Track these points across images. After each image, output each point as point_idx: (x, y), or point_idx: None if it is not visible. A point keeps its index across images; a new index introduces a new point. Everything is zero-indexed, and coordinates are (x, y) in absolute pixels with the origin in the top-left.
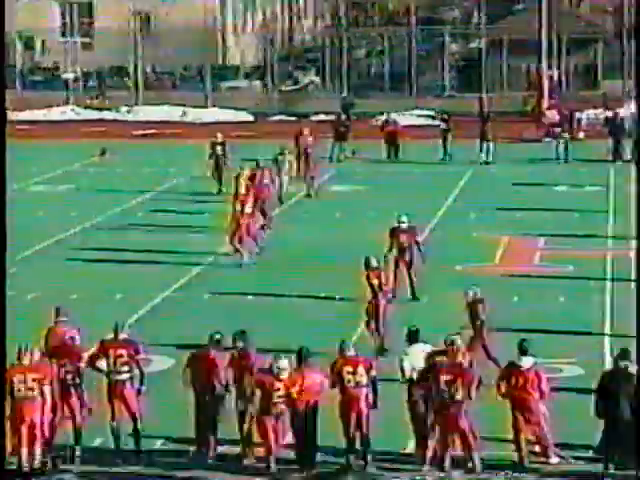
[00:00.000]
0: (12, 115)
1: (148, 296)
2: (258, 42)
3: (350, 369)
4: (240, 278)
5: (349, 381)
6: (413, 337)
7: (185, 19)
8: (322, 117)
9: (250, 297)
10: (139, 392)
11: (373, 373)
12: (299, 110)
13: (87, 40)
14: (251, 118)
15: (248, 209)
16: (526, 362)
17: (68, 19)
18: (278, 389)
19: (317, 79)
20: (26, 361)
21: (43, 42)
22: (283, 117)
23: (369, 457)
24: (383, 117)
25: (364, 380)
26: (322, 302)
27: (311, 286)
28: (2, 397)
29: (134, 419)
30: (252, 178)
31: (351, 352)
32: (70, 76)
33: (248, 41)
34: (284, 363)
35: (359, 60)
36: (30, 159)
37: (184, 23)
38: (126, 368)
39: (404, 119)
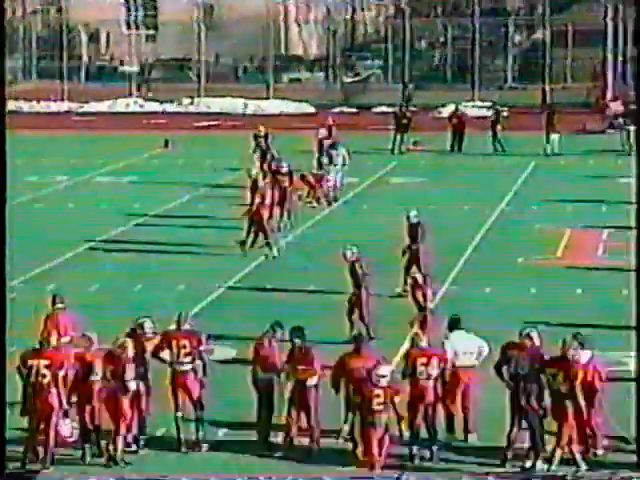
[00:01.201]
0: (76, 107)
1: (211, 287)
2: (321, 33)
3: (424, 360)
4: (301, 268)
5: (421, 373)
6: (454, 324)
7: (248, 10)
8: (384, 109)
9: (312, 288)
10: (202, 383)
11: (442, 365)
12: (361, 102)
13: (151, 32)
14: (313, 110)
15: (268, 200)
16: (584, 356)
17: (132, 11)
18: (378, 396)
19: (379, 71)
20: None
21: (107, 34)
22: (345, 109)
23: (435, 449)
24: (449, 108)
25: (435, 372)
26: (383, 293)
27: (373, 279)
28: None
29: (197, 409)
30: (274, 172)
31: (423, 343)
32: (133, 68)
33: (311, 32)
34: (384, 370)
35: (421, 51)
36: (94, 151)
37: (247, 14)
38: (189, 359)
39: (467, 111)
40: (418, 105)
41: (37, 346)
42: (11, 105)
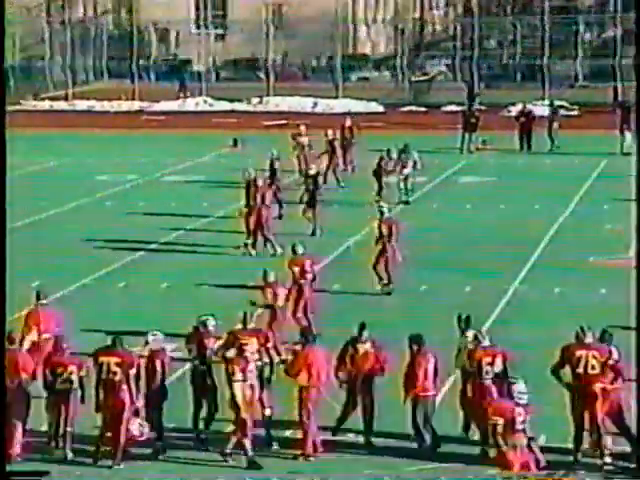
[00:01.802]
0: (146, 106)
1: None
2: (389, 32)
3: (489, 360)
4: (369, 269)
5: (487, 372)
6: (465, 324)
7: (316, 9)
8: (452, 108)
9: (379, 287)
10: (269, 381)
11: (507, 363)
12: (429, 101)
13: (220, 31)
14: (381, 109)
15: (268, 201)
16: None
17: (202, 11)
18: (520, 415)
19: (447, 69)
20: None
21: (177, 34)
22: (413, 108)
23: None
24: (518, 107)
25: (497, 371)
26: (453, 293)
27: (443, 279)
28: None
29: (264, 408)
30: (273, 172)
31: (486, 342)
32: (203, 67)
33: (379, 31)
34: (522, 387)
35: (490, 50)
36: (164, 150)
37: (315, 13)
38: (256, 357)
39: (535, 109)
40: (487, 104)
41: (109, 344)
42: (83, 105)
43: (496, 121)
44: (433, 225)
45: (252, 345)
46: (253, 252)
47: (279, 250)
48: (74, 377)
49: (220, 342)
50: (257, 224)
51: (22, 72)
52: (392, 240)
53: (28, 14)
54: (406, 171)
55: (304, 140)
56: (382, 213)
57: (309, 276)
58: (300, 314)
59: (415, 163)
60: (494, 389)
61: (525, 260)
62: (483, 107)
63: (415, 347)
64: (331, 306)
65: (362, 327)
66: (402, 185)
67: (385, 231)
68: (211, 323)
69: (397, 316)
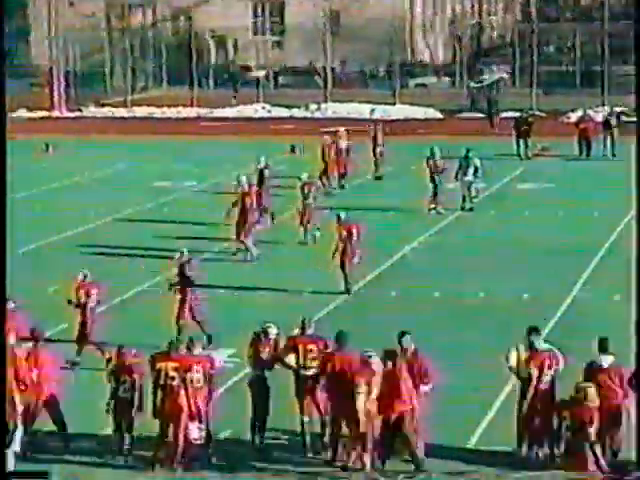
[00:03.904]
0: (205, 113)
1: (335, 293)
2: (447, 38)
3: (548, 363)
4: (427, 274)
5: (547, 375)
6: (533, 333)
7: (374, 16)
8: (510, 114)
9: (437, 294)
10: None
11: (556, 368)
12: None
13: (277, 38)
14: (439, 115)
15: (255, 205)
16: (605, 360)
17: (259, 18)
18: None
19: (506, 75)
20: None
21: (235, 41)
22: (471, 114)
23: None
24: (577, 113)
25: (549, 376)
26: (512, 300)
27: (501, 286)
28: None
29: (322, 413)
30: (261, 180)
31: (544, 346)
32: (261, 74)
33: (437, 37)
34: (593, 391)
35: (549, 56)
36: (222, 156)
37: (373, 20)
38: (315, 363)
39: (595, 116)
40: (546, 110)
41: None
42: (142, 111)
43: (555, 127)
44: (491, 232)
45: (312, 351)
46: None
47: (255, 256)
48: (136, 385)
49: (280, 348)
50: (242, 228)
51: (83, 79)
52: (352, 242)
53: (88, 22)
54: (467, 178)
55: (343, 145)
56: (339, 217)
57: (92, 303)
58: (186, 319)
59: (476, 169)
60: (547, 393)
61: (585, 267)
62: (543, 113)
63: (389, 363)
64: (389, 312)
65: (402, 334)
66: (465, 192)
67: (344, 234)
68: (273, 331)
69: (456, 323)
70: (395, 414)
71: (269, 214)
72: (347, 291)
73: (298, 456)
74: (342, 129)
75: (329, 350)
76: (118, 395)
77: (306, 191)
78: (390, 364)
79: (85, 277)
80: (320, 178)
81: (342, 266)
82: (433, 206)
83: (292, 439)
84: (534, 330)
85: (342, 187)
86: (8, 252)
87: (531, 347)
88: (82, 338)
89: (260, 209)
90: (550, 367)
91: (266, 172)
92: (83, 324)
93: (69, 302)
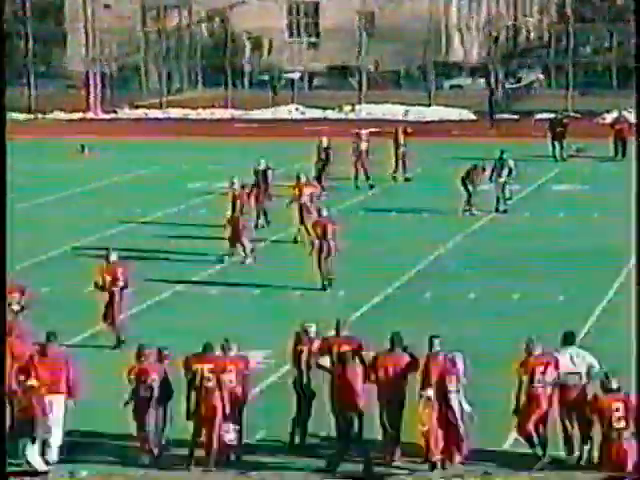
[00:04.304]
0: (239, 114)
1: (370, 293)
2: (482, 39)
3: (542, 369)
4: (461, 276)
5: (539, 381)
6: (569, 340)
7: (409, 17)
8: (545, 115)
9: (472, 296)
10: (363, 388)
11: (557, 373)
12: (523, 108)
13: (312, 39)
14: (473, 117)
15: (247, 209)
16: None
17: (294, 19)
18: (617, 410)
19: (542, 77)
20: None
21: (270, 42)
22: (506, 115)
23: (546, 456)
24: (613, 114)
25: (550, 380)
26: (546, 302)
27: (535, 288)
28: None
29: (359, 414)
30: (257, 182)
31: (538, 351)
32: (295, 75)
33: (472, 38)
34: (615, 382)
35: (585, 57)
36: (256, 158)
37: (408, 21)
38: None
39: (630, 117)
40: (581, 111)
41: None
42: (177, 113)
43: (591, 128)
44: (526, 234)
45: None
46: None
47: (248, 260)
48: (155, 384)
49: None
50: (235, 231)
51: (118, 81)
52: (327, 238)
53: (124, 23)
54: (501, 179)
55: (364, 146)
56: (319, 213)
57: (120, 283)
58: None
59: (510, 170)
60: (545, 397)
61: (619, 269)
62: (577, 115)
63: (340, 365)
64: (423, 315)
65: (433, 338)
66: (499, 193)
67: (319, 231)
68: (312, 330)
69: (489, 325)
70: (344, 414)
71: (264, 216)
72: (324, 287)
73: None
74: (363, 130)
75: (381, 351)
76: (139, 395)
77: (300, 192)
78: (341, 367)
79: (108, 259)
80: (319, 179)
81: (318, 263)
82: (467, 208)
83: (323, 440)
84: (530, 339)
85: (357, 188)
86: (35, 254)
87: (528, 353)
88: (108, 317)
89: (257, 211)
90: (544, 373)
91: (269, 173)
92: (109, 305)
93: (95, 285)
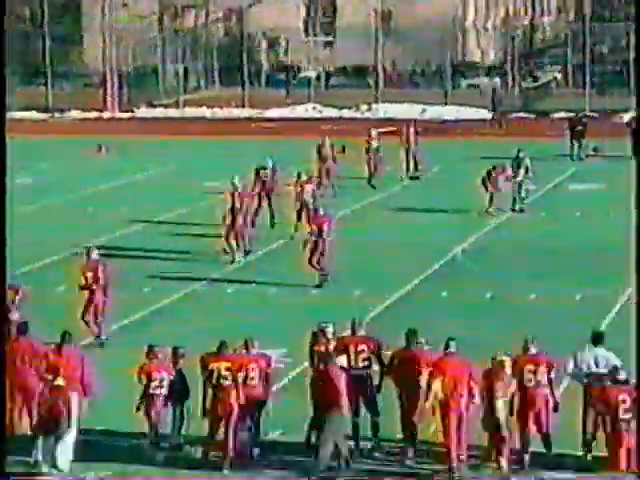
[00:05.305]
0: (256, 113)
1: (386, 292)
2: (499, 39)
3: (532, 368)
4: (478, 275)
5: (529, 380)
6: (597, 340)
7: (426, 16)
8: (562, 115)
9: (487, 295)
10: (379, 389)
11: (552, 372)
12: (540, 108)
13: (329, 39)
14: (490, 116)
15: (245, 207)
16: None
17: (311, 18)
18: (624, 402)
19: (559, 76)
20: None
21: (287, 41)
22: (523, 115)
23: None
24: (630, 114)
25: (544, 379)
26: (563, 301)
27: (552, 287)
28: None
29: (373, 414)
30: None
31: (532, 350)
32: (312, 74)
33: (489, 38)
34: (624, 374)
35: (602, 56)
36: (273, 156)
37: (425, 20)
38: (367, 364)
39: None
40: (598, 110)
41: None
42: (194, 112)
43: (608, 128)
44: (542, 233)
45: (364, 352)
46: (238, 258)
47: (238, 259)
48: (165, 382)
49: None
50: (233, 230)
51: (135, 80)
52: (323, 235)
53: (141, 23)
54: (518, 178)
55: (374, 145)
56: (316, 212)
57: (101, 282)
58: (90, 317)
59: (527, 170)
60: (541, 397)
61: (637, 268)
62: (595, 114)
63: (321, 365)
64: (439, 313)
65: (450, 340)
66: (516, 193)
67: (315, 229)
68: (329, 330)
69: (506, 325)
70: (327, 415)
71: (271, 216)
72: (320, 284)
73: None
74: (374, 130)
75: (381, 352)
76: (149, 393)
77: (302, 189)
78: (322, 366)
79: (90, 255)
80: (319, 178)
81: (310, 261)
82: (490, 208)
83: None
84: (527, 339)
85: (373, 187)
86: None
87: (523, 351)
88: (86, 316)
89: (270, 211)
90: (535, 372)
91: (276, 174)
92: (89, 302)
93: (80, 288)
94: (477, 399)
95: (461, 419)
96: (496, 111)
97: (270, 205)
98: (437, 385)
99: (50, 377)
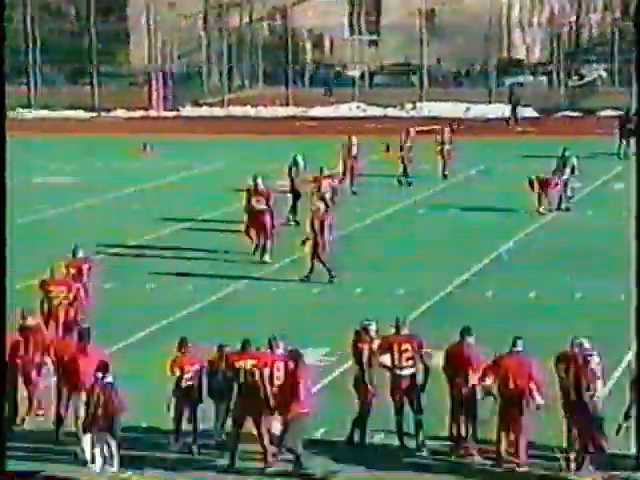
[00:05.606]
0: (300, 112)
1: (429, 292)
2: (545, 37)
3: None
4: (523, 274)
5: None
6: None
7: (470, 14)
8: (609, 113)
9: (533, 294)
10: (423, 388)
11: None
12: (586, 106)
13: (373, 37)
14: (536, 114)
15: (261, 205)
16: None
17: (355, 17)
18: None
19: (604, 74)
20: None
21: (331, 40)
22: (568, 113)
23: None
24: None
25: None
26: (608, 300)
27: (598, 286)
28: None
29: (416, 413)
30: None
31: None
32: (356, 73)
33: (534, 36)
34: (596, 360)
35: None
36: (316, 156)
37: (469, 18)
38: (410, 362)
39: None
40: None
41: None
42: (238, 111)
43: None
44: (588, 232)
45: (407, 351)
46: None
47: (267, 259)
48: (195, 377)
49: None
50: (259, 229)
51: (180, 79)
52: (324, 234)
53: (186, 22)
54: (564, 177)
55: (409, 143)
56: (318, 209)
57: (83, 279)
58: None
59: (573, 168)
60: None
61: None
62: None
63: (292, 363)
64: (484, 312)
65: (516, 339)
66: (562, 192)
67: (317, 226)
68: (372, 328)
69: (551, 323)
70: (291, 415)
71: (293, 213)
72: (331, 278)
73: (392, 456)
74: (411, 128)
75: (424, 351)
76: (181, 385)
77: (320, 184)
78: (292, 364)
79: (75, 253)
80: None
81: (312, 257)
82: (542, 209)
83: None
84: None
85: (401, 183)
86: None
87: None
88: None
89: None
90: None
91: (300, 169)
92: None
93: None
94: (538, 399)
95: (516, 419)
96: (516, 110)
97: (295, 202)
98: (490, 382)
99: (100, 375)
